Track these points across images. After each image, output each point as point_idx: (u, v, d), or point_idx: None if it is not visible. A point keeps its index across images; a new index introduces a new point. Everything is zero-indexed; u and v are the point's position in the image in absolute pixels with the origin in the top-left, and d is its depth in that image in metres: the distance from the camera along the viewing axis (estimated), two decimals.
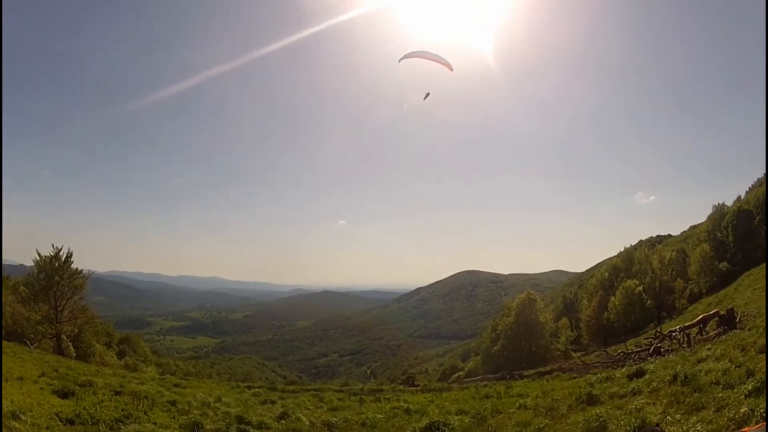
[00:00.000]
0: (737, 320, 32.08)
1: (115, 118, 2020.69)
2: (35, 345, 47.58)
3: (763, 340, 18.21)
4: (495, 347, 78.28)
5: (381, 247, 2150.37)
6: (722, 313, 34.26)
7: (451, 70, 32.48)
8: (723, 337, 27.96)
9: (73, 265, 53.68)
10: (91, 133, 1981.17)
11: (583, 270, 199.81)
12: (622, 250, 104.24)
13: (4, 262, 53.94)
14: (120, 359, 76.06)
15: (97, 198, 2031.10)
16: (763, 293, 42.46)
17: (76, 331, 56.82)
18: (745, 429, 4.12)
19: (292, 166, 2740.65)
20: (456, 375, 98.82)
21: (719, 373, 15.06)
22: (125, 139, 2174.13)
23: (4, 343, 36.25)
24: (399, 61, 33.04)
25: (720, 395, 12.97)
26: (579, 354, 66.58)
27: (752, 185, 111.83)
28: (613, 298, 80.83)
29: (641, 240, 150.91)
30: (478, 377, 63.34)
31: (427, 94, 34.49)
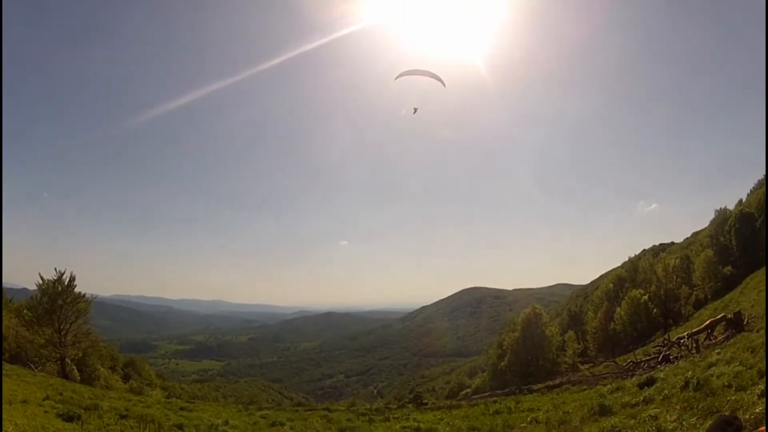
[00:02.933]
0: (745, 323, 32.00)
1: (117, 138, 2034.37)
2: (39, 368, 47.49)
3: None
4: (502, 363, 78.10)
5: (383, 267, 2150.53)
6: (729, 316, 34.17)
7: (444, 85, 32.87)
8: (732, 340, 27.88)
9: (77, 289, 53.44)
10: (92, 155, 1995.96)
11: (588, 282, 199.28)
12: (626, 260, 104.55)
13: (7, 285, 53.85)
14: (125, 383, 75.72)
15: (99, 221, 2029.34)
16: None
17: (80, 354, 56.74)
18: (761, 428, 4.09)
19: (293, 188, 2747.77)
20: (464, 392, 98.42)
21: (731, 376, 15.03)
22: (127, 162, 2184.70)
23: (8, 366, 36.16)
24: (395, 79, 33.39)
25: (733, 398, 12.90)
26: (587, 366, 66.36)
27: (753, 187, 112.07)
28: (618, 309, 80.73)
29: (645, 249, 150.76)
30: (486, 393, 63.02)
31: (415, 109, 34.75)
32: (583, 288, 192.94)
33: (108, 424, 19.07)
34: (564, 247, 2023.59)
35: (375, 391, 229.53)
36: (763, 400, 11.81)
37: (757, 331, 24.88)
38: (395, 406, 50.20)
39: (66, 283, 52.56)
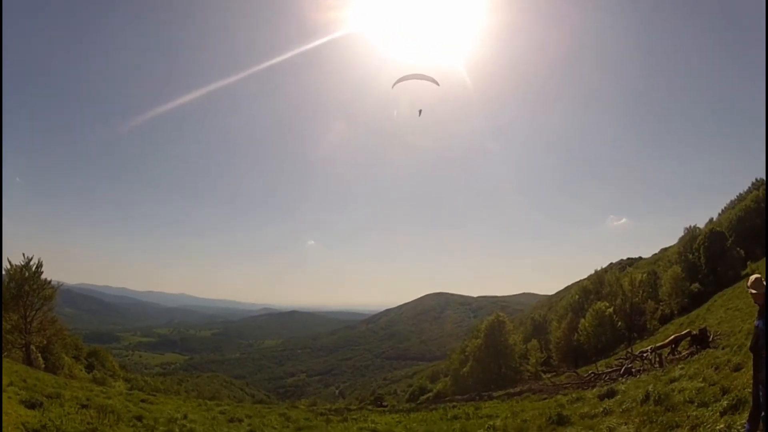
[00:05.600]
0: (710, 339, 32.00)
1: (88, 128, 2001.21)
2: (4, 354, 46.41)
3: (738, 359, 18.04)
4: (464, 369, 78.20)
5: (349, 269, 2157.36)
6: (695, 332, 34.23)
7: (438, 84, 33.03)
8: (696, 356, 27.81)
9: (43, 276, 52.82)
10: (63, 142, 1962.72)
11: (553, 293, 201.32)
12: (593, 272, 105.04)
13: None
14: (88, 373, 74.62)
15: (69, 209, 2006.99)
16: (737, 313, 42.71)
17: (45, 342, 55.74)
18: None
19: (262, 186, 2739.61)
20: (425, 396, 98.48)
21: (693, 392, 14.81)
22: (99, 152, 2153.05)
23: None
24: (392, 86, 33.68)
25: (694, 413, 12.68)
26: (549, 375, 66.47)
27: (725, 207, 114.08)
28: (583, 320, 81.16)
29: (612, 263, 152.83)
30: (447, 398, 62.87)
31: (420, 111, 34.91)
32: (549, 298, 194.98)
33: (69, 413, 18.64)
34: (531, 257, 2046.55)
35: (337, 392, 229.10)
36: (725, 417, 11.57)
37: (723, 349, 24.84)
38: (355, 407, 49.88)
39: (33, 269, 51.88)
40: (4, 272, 51.48)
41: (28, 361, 49.63)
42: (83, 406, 21.12)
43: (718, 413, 12.08)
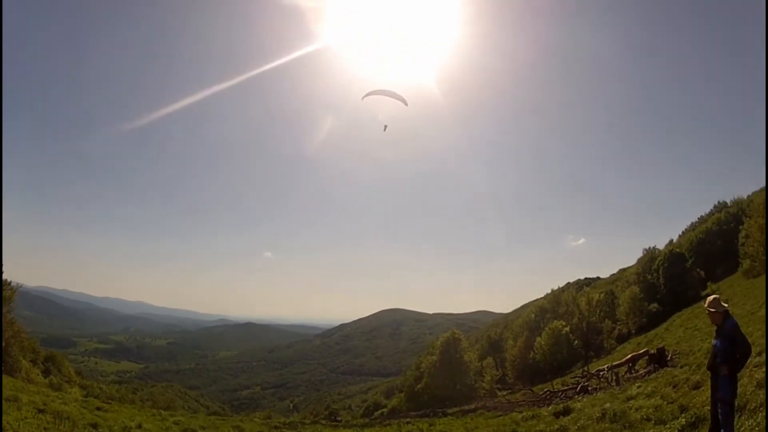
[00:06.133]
0: (668, 358, 32.03)
1: (51, 130, 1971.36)
2: None
3: (696, 377, 17.97)
4: (419, 385, 77.86)
5: (305, 282, 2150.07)
6: (652, 351, 34.23)
7: (406, 104, 33.40)
8: (653, 375, 27.78)
9: (3, 276, 52.30)
10: (25, 143, 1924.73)
11: (509, 311, 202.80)
12: (550, 291, 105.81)
13: None
14: (45, 377, 73.06)
15: (28, 209, 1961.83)
16: (696, 332, 43.13)
17: (3, 344, 54.28)
18: None
19: (222, 198, 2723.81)
20: (379, 411, 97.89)
21: (650, 410, 14.70)
22: (61, 155, 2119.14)
23: None
24: (362, 98, 34.20)
25: (652, 431, 12.52)
26: (504, 392, 66.39)
27: (685, 229, 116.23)
28: (539, 339, 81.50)
29: (569, 282, 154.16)
30: (401, 414, 62.44)
31: (385, 127, 35.07)
32: (505, 316, 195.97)
33: (26, 417, 18.38)
34: (488, 276, 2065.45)
35: (291, 405, 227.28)
36: None
37: (681, 367, 24.81)
38: (309, 422, 49.42)
39: None
40: None
41: None
42: (40, 411, 20.84)
43: (676, 430, 11.99)
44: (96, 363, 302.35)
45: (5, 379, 35.95)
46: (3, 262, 51.94)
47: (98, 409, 29.56)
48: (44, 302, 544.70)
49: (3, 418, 16.76)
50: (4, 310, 52.60)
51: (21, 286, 58.89)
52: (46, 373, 78.10)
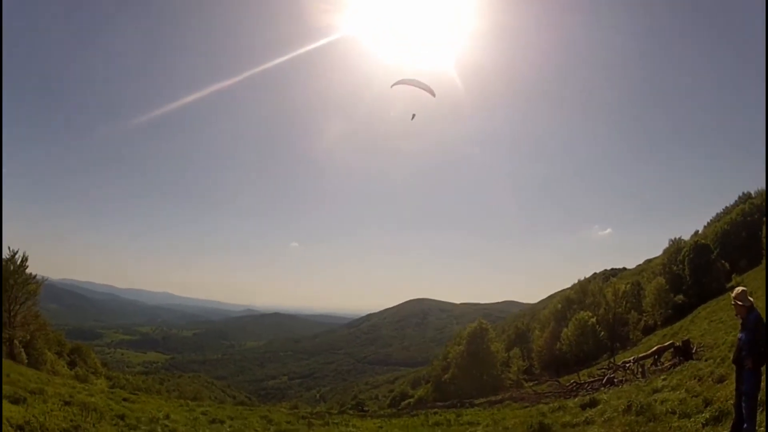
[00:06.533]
0: (693, 351, 31.99)
1: (75, 124, 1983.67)
2: None
3: (721, 371, 18.04)
4: (446, 375, 78.11)
5: (332, 272, 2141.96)
6: (678, 344, 34.17)
7: (434, 95, 33.38)
8: (679, 367, 27.79)
9: (28, 270, 52.66)
10: (47, 136, 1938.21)
11: (536, 301, 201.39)
12: (576, 282, 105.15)
13: None
14: (71, 369, 73.92)
15: (52, 203, 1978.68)
16: (720, 325, 42.87)
17: (28, 337, 55.22)
18: None
19: (247, 187, 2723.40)
20: (406, 402, 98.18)
21: (675, 403, 14.79)
22: (84, 147, 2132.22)
23: None
24: (391, 86, 34.17)
25: (676, 424, 12.68)
26: (530, 383, 66.38)
27: (710, 220, 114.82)
28: (565, 329, 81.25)
29: (596, 273, 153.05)
30: (428, 405, 62.69)
31: (413, 115, 35.04)
32: (531, 307, 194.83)
33: (52, 410, 18.38)
34: (515, 266, 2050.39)
35: (318, 395, 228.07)
36: (707, 428, 11.58)
37: (706, 360, 24.84)
38: (336, 411, 49.75)
39: (18, 263, 51.73)
40: None
41: (11, 356, 49.22)
42: (66, 403, 20.99)
43: (700, 424, 12.11)
44: (122, 354, 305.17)
45: (30, 371, 36.78)
46: (27, 257, 52.70)
47: (125, 400, 30.09)
48: (69, 295, 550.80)
49: (29, 410, 17.10)
50: (29, 303, 53.48)
51: (46, 280, 59.56)
52: (71, 365, 79.21)
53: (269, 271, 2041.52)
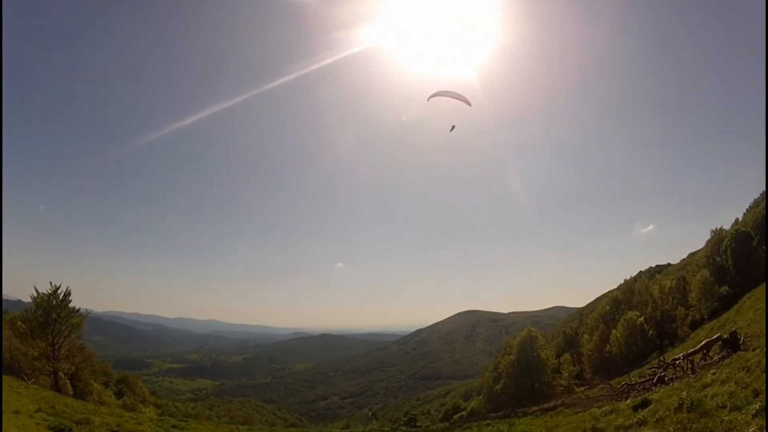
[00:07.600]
0: (741, 342, 31.72)
1: (116, 156, 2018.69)
2: (32, 380, 47.04)
3: None
4: (497, 386, 77.62)
5: (378, 290, 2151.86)
6: (725, 336, 33.92)
7: (470, 105, 33.65)
8: (727, 360, 27.63)
9: (71, 304, 53.43)
10: (91, 170, 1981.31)
11: (584, 305, 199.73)
12: (622, 282, 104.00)
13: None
14: (118, 399, 75.29)
15: (96, 237, 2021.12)
16: (765, 313, 42.26)
17: (74, 368, 56.39)
18: None
19: (290, 210, 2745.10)
20: (458, 415, 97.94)
21: (725, 396, 14.87)
22: (126, 179, 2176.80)
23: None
24: (428, 99, 34.49)
25: (727, 418, 12.78)
26: (582, 388, 65.92)
27: (749, 206, 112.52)
28: (614, 331, 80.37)
29: (641, 271, 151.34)
30: (480, 416, 62.59)
31: (453, 127, 35.21)
32: (579, 311, 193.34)
33: None
34: (560, 271, 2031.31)
35: (370, 414, 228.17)
36: (757, 420, 11.65)
37: (753, 350, 24.66)
38: (389, 429, 49.94)
39: (61, 297, 52.57)
40: (31, 300, 52.54)
41: (56, 388, 50.32)
42: None
43: (750, 416, 12.20)
44: (171, 382, 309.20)
45: (75, 402, 37.57)
46: (70, 291, 53.75)
47: (174, 427, 30.70)
48: (115, 326, 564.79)
49: None
50: (74, 335, 54.42)
51: (90, 312, 60.48)
52: (119, 394, 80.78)
53: (316, 293, 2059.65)
